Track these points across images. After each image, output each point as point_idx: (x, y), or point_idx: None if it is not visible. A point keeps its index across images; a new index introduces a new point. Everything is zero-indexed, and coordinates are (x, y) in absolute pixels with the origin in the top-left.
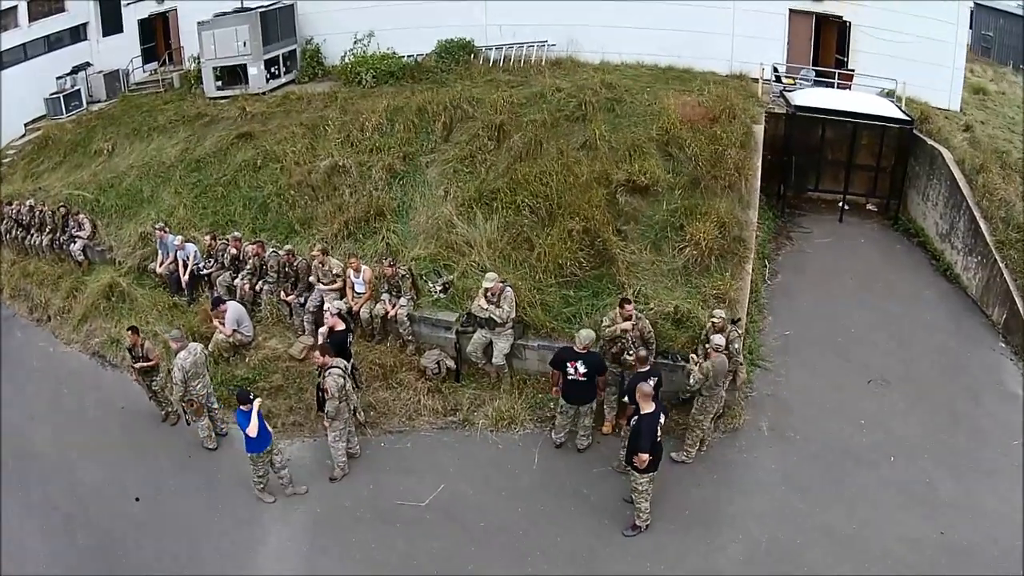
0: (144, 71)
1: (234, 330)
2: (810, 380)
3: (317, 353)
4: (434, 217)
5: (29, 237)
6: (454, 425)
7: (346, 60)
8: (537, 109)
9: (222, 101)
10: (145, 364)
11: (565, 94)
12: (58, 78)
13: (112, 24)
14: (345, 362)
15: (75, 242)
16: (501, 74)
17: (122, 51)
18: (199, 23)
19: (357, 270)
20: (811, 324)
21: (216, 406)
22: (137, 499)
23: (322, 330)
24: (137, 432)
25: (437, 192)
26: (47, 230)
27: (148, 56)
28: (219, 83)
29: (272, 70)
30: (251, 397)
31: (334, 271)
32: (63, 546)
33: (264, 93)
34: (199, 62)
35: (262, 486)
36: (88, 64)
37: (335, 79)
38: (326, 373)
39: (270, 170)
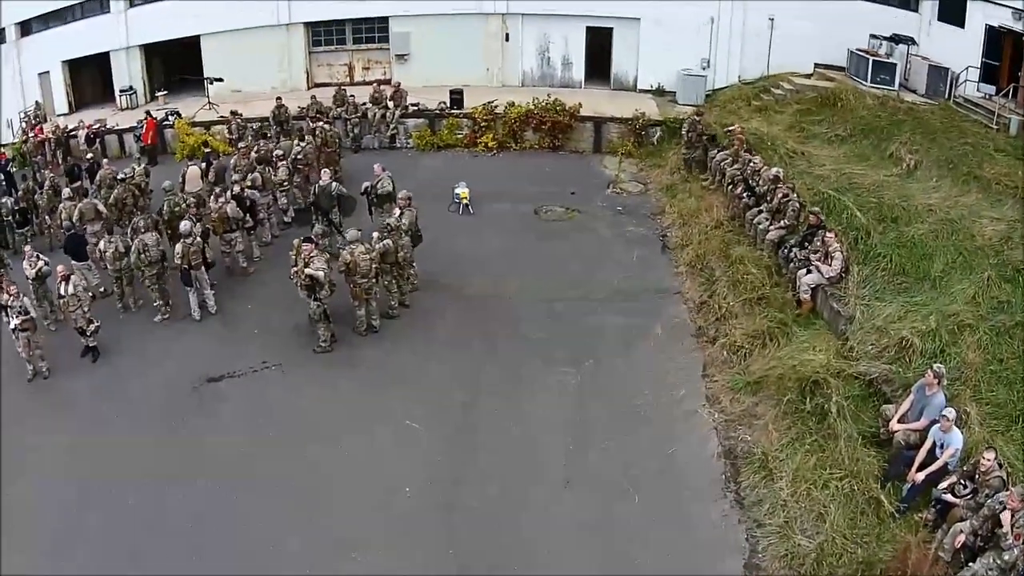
0: (979, 91)
1: None
2: None
3: None
4: None
5: (766, 222)
6: None
7: None
8: None
9: None
10: None
11: None
12: (872, 36)
13: (952, 11)
14: None
15: (811, 271)
16: None
17: (958, 51)
18: None
19: None
20: None
21: None
22: None
23: None
24: None
25: None
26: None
27: (987, 74)
28: None
29: None
30: None
31: None
32: None
33: None
34: None
35: None
36: (913, 42)
37: None
38: None
39: None
